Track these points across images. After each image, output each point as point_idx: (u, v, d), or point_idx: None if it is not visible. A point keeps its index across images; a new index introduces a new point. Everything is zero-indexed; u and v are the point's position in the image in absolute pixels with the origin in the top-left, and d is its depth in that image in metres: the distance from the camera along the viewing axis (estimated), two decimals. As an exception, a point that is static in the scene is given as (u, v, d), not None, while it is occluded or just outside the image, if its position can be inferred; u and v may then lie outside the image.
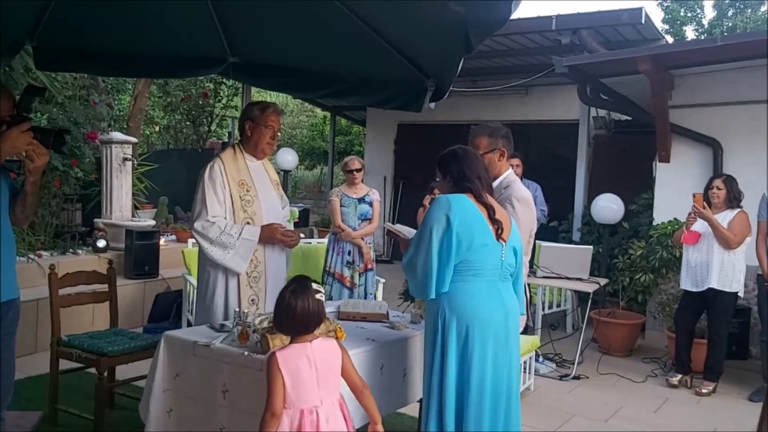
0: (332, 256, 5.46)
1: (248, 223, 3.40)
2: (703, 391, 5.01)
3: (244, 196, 3.42)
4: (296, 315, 2.30)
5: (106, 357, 3.59)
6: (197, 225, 3.34)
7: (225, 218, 3.36)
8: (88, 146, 6.72)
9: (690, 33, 20.24)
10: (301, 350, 2.31)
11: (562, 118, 8.59)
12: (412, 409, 3.62)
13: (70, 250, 6.25)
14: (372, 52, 3.54)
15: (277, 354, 2.30)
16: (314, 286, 2.41)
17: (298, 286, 2.37)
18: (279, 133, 3.63)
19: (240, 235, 3.32)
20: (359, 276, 5.42)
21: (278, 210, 3.63)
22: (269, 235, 3.42)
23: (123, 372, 3.98)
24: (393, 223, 3.30)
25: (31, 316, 5.12)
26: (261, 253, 3.44)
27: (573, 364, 5.41)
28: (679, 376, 5.17)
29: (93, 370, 3.69)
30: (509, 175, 3.31)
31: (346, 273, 5.39)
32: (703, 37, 17.76)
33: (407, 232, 3.11)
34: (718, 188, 5.02)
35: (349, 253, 5.43)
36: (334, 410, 2.35)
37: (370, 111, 10.79)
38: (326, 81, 4.03)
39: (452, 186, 2.82)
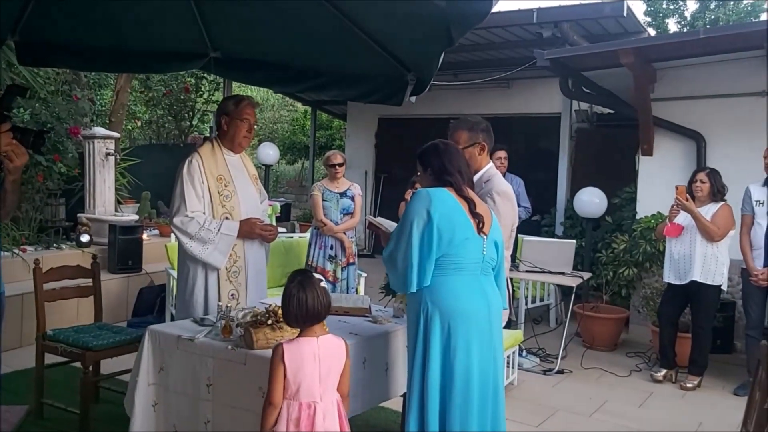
0: (314, 250, 5.47)
1: (227, 217, 3.40)
2: (688, 385, 5.02)
3: (223, 190, 3.42)
4: (309, 307, 2.35)
5: (91, 351, 3.60)
6: (176, 220, 3.35)
7: (204, 213, 3.36)
8: (71, 141, 6.69)
9: (672, 25, 20.41)
10: (307, 344, 2.35)
11: (543, 111, 8.62)
12: (395, 403, 3.64)
13: (54, 244, 6.22)
14: (353, 45, 3.55)
15: (284, 345, 2.34)
16: (316, 275, 2.46)
17: (302, 278, 2.41)
18: (258, 127, 3.62)
19: (219, 230, 3.34)
20: (341, 270, 5.44)
21: (257, 204, 3.63)
22: (248, 230, 3.43)
23: (108, 366, 3.98)
24: (375, 217, 3.31)
25: (16, 310, 5.10)
26: (240, 248, 3.45)
27: (557, 358, 5.42)
28: (664, 371, 5.18)
29: (78, 364, 3.69)
30: (490, 169, 3.32)
31: (329, 267, 5.40)
32: (685, 30, 17.89)
33: (388, 225, 3.12)
34: (702, 181, 5.01)
35: (331, 248, 5.44)
36: (332, 409, 2.38)
37: (350, 105, 10.77)
38: (307, 75, 4.03)
39: (433, 180, 2.83)
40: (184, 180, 3.36)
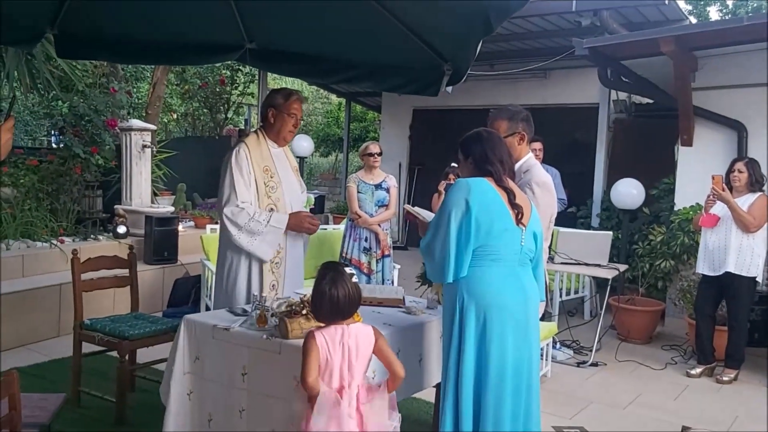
0: (349, 242, 5.46)
1: (272, 209, 3.39)
2: (725, 378, 4.94)
3: (268, 182, 3.41)
4: (340, 303, 2.34)
5: (127, 340, 3.65)
6: (227, 210, 3.32)
7: (251, 204, 3.35)
8: (108, 134, 6.80)
9: (714, 14, 19.92)
10: (337, 332, 2.35)
11: (581, 101, 8.49)
12: (427, 394, 3.63)
13: (92, 236, 6.33)
14: (389, 36, 3.52)
15: (315, 333, 2.33)
16: (347, 270, 2.44)
17: (334, 273, 2.39)
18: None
19: (268, 222, 3.32)
20: (376, 262, 5.43)
21: (299, 196, 3.63)
22: (297, 223, 3.42)
23: (144, 355, 4.04)
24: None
25: (53, 300, 5.21)
26: (283, 240, 3.46)
27: (591, 351, 5.37)
28: (701, 368, 5.08)
29: (115, 353, 3.75)
30: (529, 159, 3.27)
31: (363, 259, 5.39)
32: (727, 18, 17.45)
33: (426, 214, 3.09)
34: (740, 171, 4.92)
35: (366, 240, 5.43)
36: (359, 398, 2.37)
37: (385, 97, 10.75)
38: (343, 66, 4.02)
39: (473, 168, 2.79)
40: (233, 169, 3.34)
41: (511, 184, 2.76)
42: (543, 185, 3.16)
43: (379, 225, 5.44)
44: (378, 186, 5.50)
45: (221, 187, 3.40)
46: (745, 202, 4.88)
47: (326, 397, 2.30)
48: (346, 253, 5.44)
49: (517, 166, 3.16)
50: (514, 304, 2.67)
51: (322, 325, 2.41)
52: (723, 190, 4.83)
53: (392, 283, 5.52)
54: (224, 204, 3.35)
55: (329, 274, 2.39)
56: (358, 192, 5.46)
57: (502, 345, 2.63)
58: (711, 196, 4.95)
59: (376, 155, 5.51)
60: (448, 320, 2.74)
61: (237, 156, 3.37)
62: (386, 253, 5.48)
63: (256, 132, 3.55)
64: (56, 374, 4.34)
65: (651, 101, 7.40)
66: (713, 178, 4.89)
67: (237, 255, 3.42)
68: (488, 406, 2.62)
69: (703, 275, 5.08)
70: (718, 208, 4.96)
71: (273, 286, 3.43)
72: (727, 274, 4.86)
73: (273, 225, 3.34)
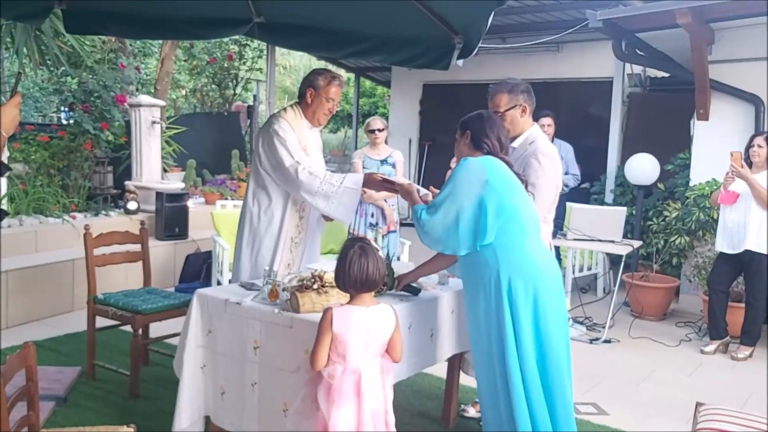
0: (355, 218, 5.39)
1: None
2: (740, 355, 4.93)
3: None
4: (369, 274, 2.35)
5: (140, 315, 3.66)
6: (301, 176, 3.20)
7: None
8: (118, 109, 6.78)
9: (730, -13, 19.51)
10: (357, 312, 2.35)
11: (595, 75, 8.36)
12: (438, 369, 3.62)
13: (103, 211, 6.36)
14: (398, 8, 3.48)
15: (334, 310, 2.34)
16: (373, 245, 2.46)
17: (363, 245, 2.41)
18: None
19: (341, 183, 3.21)
20: (382, 238, 5.39)
21: None
22: (371, 181, 3.31)
23: (157, 329, 4.06)
24: (419, 185, 3.26)
25: (67, 275, 5.25)
26: (306, 221, 3.43)
27: (604, 327, 5.35)
28: (715, 344, 5.06)
29: (128, 327, 3.76)
30: (534, 130, 3.27)
31: (370, 235, 5.34)
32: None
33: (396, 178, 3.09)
34: (759, 146, 4.87)
35: (372, 215, 5.39)
36: (376, 375, 2.38)
37: (394, 71, 10.63)
38: (352, 40, 3.98)
39: (470, 143, 2.80)
40: (282, 139, 3.26)
41: (507, 159, 2.79)
42: (547, 155, 3.16)
43: (385, 200, 5.40)
44: (384, 161, 5.45)
45: (277, 164, 3.27)
46: (764, 177, 4.82)
47: (346, 379, 2.31)
48: (353, 229, 5.41)
49: (522, 137, 3.20)
50: (557, 274, 2.68)
51: (342, 302, 2.41)
52: (741, 167, 4.78)
53: (398, 258, 5.49)
54: (294, 173, 3.22)
55: (357, 244, 2.41)
56: (364, 167, 5.40)
57: (559, 320, 2.62)
58: (730, 174, 4.89)
59: (377, 131, 5.45)
60: (483, 301, 2.64)
61: (281, 127, 3.29)
62: (392, 228, 5.45)
63: (292, 107, 3.45)
64: (70, 348, 4.39)
65: (666, 75, 7.29)
66: (732, 155, 4.84)
67: (261, 232, 3.36)
68: (557, 393, 2.56)
69: (721, 252, 5.05)
70: (737, 185, 4.90)
71: (288, 265, 3.41)
72: (747, 251, 4.84)
73: (347, 186, 3.22)
